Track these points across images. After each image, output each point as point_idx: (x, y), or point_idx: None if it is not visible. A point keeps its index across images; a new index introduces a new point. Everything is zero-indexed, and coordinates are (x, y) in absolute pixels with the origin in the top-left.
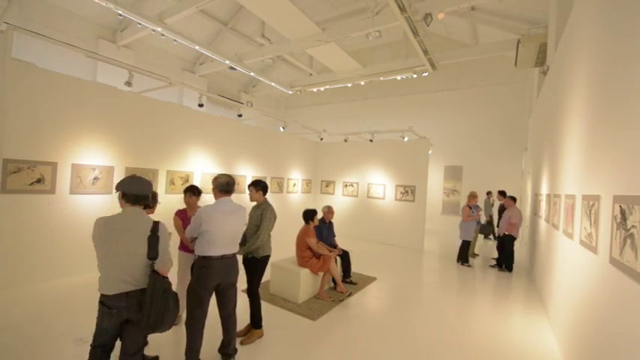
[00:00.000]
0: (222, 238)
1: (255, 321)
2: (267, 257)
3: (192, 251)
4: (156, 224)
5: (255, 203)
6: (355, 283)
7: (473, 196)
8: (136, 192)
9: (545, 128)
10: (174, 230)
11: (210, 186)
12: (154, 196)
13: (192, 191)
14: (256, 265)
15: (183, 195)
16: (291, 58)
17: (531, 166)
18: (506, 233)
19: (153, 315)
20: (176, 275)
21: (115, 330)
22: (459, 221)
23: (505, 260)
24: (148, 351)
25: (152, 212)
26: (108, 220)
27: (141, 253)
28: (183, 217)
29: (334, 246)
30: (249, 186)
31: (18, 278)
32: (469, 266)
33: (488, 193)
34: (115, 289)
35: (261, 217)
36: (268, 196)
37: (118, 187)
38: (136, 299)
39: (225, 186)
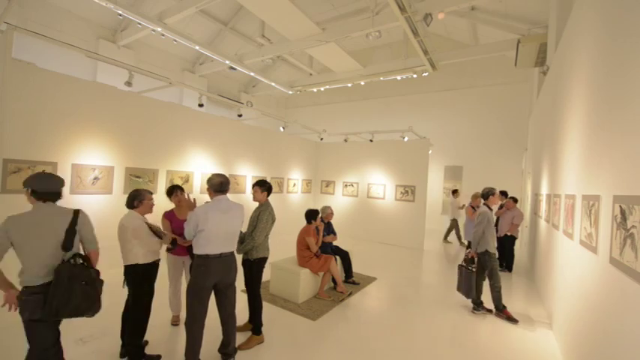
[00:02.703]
0: (220, 237)
1: (255, 326)
2: (263, 259)
3: (182, 254)
4: (75, 216)
5: (257, 203)
6: (358, 284)
7: (476, 196)
8: (46, 189)
9: (545, 128)
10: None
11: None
12: (137, 195)
13: (180, 188)
14: (251, 267)
15: (169, 196)
16: (291, 58)
17: (531, 166)
18: (508, 234)
19: (56, 299)
20: (167, 278)
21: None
22: (469, 222)
23: (505, 260)
24: (150, 350)
25: (150, 212)
26: (21, 218)
27: (54, 246)
28: (170, 219)
29: (332, 249)
30: (255, 185)
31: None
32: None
33: (454, 192)
34: (39, 281)
35: (257, 219)
36: (270, 196)
37: (26, 184)
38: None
39: (218, 186)
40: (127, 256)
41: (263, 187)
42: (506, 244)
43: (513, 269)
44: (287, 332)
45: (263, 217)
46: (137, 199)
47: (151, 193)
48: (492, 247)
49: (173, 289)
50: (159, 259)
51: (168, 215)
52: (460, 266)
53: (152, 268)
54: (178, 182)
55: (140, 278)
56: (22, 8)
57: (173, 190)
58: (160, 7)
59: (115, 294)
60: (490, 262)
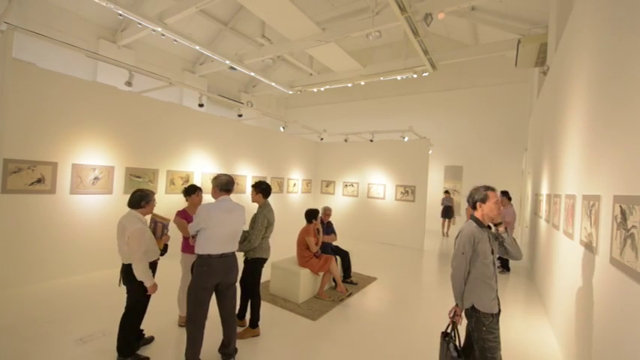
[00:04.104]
0: (222, 236)
1: (252, 320)
2: (261, 260)
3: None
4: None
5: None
6: (356, 284)
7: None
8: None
9: (545, 128)
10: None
11: (210, 186)
12: (145, 196)
13: (200, 189)
14: (249, 266)
15: (187, 195)
16: (291, 58)
17: (531, 166)
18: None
19: None
20: (179, 279)
21: None
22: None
23: (501, 260)
24: (151, 349)
25: (151, 213)
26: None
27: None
28: (186, 218)
29: (332, 249)
30: (251, 187)
31: (18, 278)
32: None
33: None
34: None
35: (253, 222)
36: (270, 196)
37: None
38: None
39: (225, 185)
40: (127, 255)
41: (257, 188)
42: None
43: (513, 269)
44: (287, 332)
45: (258, 219)
46: (145, 200)
47: (155, 193)
48: (488, 299)
49: (184, 288)
50: (158, 259)
51: (183, 214)
52: (443, 334)
53: (151, 267)
54: (178, 182)
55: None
56: (22, 8)
57: (195, 190)
58: (160, 7)
59: (115, 294)
60: (479, 331)
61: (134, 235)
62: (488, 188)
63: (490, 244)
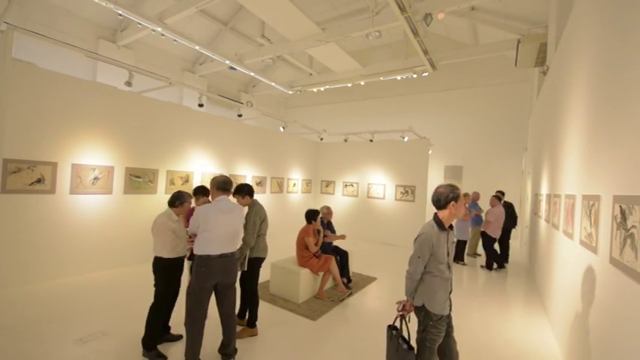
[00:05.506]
0: (221, 237)
1: (250, 319)
2: (259, 259)
3: None
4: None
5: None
6: (350, 282)
7: (467, 195)
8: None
9: (545, 128)
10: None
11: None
12: (179, 197)
13: (205, 193)
14: (248, 266)
15: (195, 195)
16: (291, 58)
17: (531, 166)
18: (482, 230)
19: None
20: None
21: None
22: (459, 221)
23: (487, 258)
24: (164, 348)
25: (182, 212)
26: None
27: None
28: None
29: (332, 249)
30: (234, 195)
31: (18, 278)
32: (464, 264)
33: None
34: None
35: (246, 221)
36: (269, 196)
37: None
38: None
39: (222, 184)
40: (155, 248)
41: (241, 193)
42: (483, 241)
43: (513, 269)
44: (287, 332)
45: (250, 218)
46: (179, 200)
47: (191, 197)
48: (439, 301)
49: None
50: (184, 256)
51: (191, 213)
52: (390, 327)
53: (175, 264)
54: (178, 182)
55: (163, 272)
56: (22, 8)
57: (204, 190)
58: (159, 7)
59: (115, 294)
60: (425, 324)
61: (155, 228)
62: (457, 187)
63: (447, 247)
